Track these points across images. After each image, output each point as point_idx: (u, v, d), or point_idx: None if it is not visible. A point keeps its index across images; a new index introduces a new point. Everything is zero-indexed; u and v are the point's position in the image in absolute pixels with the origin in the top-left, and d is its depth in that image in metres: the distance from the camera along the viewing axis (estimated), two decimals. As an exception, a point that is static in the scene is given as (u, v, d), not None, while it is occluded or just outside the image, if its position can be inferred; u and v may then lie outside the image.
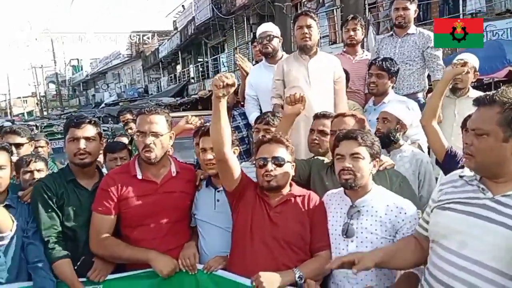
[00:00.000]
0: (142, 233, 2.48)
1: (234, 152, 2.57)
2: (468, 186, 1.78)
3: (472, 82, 3.86)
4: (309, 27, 3.50)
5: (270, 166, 2.27)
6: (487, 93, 1.70)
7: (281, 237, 2.26)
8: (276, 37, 4.08)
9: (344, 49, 4.59)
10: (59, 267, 2.35)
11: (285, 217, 2.30)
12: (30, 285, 2.32)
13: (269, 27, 4.20)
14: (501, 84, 7.47)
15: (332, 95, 3.57)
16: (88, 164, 2.54)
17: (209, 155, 2.49)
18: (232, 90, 2.12)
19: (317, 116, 2.98)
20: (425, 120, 2.94)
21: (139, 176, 2.49)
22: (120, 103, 27.23)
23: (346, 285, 2.21)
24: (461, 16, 10.38)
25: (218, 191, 2.56)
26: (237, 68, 4.73)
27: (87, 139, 2.50)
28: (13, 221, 2.33)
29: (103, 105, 30.53)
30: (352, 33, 4.35)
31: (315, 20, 3.57)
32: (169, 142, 2.54)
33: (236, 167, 2.35)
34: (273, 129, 2.91)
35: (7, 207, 2.39)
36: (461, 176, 1.83)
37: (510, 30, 9.33)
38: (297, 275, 2.14)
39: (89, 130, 2.52)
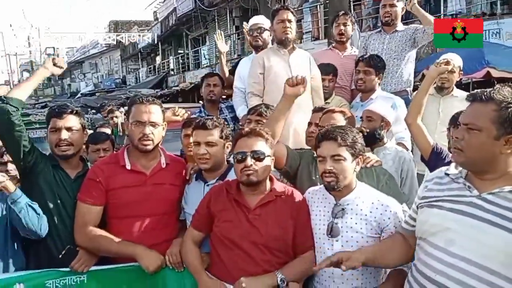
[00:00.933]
0: (129, 225, 2.42)
1: (227, 147, 2.53)
2: (454, 184, 1.78)
3: (456, 81, 3.94)
4: (289, 21, 3.53)
5: (249, 160, 2.17)
6: (483, 89, 1.71)
7: (261, 242, 2.17)
8: (266, 30, 4.07)
9: (333, 45, 4.59)
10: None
11: (265, 220, 2.19)
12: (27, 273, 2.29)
13: (260, 20, 4.19)
14: (476, 85, 7.67)
15: (309, 91, 3.55)
16: (70, 156, 2.48)
17: (203, 150, 2.43)
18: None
19: (315, 110, 2.96)
20: (410, 118, 2.96)
21: (128, 167, 2.44)
22: (97, 94, 26.80)
23: (331, 285, 2.17)
24: (441, 17, 10.56)
25: (208, 185, 2.49)
26: (218, 61, 4.76)
27: (69, 129, 2.45)
28: None
29: (79, 95, 29.93)
30: (342, 28, 4.34)
31: (294, 16, 3.60)
32: (162, 133, 2.50)
33: None
34: (265, 120, 2.87)
35: None
36: (447, 174, 1.84)
37: (488, 32, 9.55)
38: (279, 278, 2.10)
39: (71, 120, 2.47)
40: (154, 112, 2.42)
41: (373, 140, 2.96)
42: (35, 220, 2.28)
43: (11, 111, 2.31)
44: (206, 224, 2.32)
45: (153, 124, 2.41)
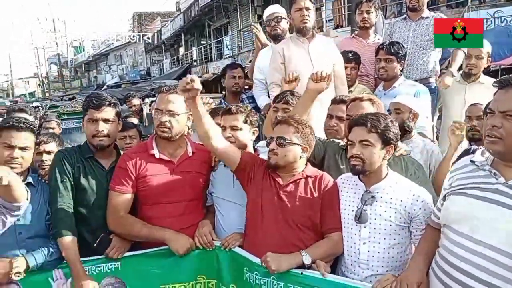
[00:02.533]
0: (158, 211, 2.51)
1: (253, 133, 2.65)
2: (480, 171, 1.78)
3: (484, 68, 3.85)
4: (307, 9, 3.50)
5: (273, 145, 2.31)
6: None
7: (289, 217, 2.29)
8: (284, 18, 4.06)
9: (356, 32, 4.55)
10: (65, 244, 2.31)
11: (294, 197, 2.31)
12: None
13: (276, 9, 4.19)
14: (505, 72, 7.45)
15: (332, 78, 3.56)
16: (106, 146, 2.56)
17: (228, 133, 2.54)
18: (197, 92, 2.17)
19: (335, 101, 2.95)
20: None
21: (157, 155, 2.51)
22: (122, 85, 27.18)
23: (356, 269, 2.21)
24: (468, 2, 10.28)
25: None
26: (240, 51, 4.76)
27: (106, 121, 2.52)
28: (27, 192, 2.37)
29: (105, 87, 30.41)
30: (366, 15, 4.30)
31: (312, 3, 3.56)
32: (186, 122, 2.56)
33: (231, 152, 2.43)
34: (291, 108, 2.90)
35: (27, 185, 2.38)
36: (472, 161, 1.83)
37: (518, 16, 9.25)
38: (304, 257, 2.17)
39: (108, 112, 2.54)
40: (173, 101, 2.47)
41: (402, 132, 2.94)
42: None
43: None
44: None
45: (171, 113, 2.46)
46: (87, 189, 2.52)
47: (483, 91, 3.47)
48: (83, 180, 2.52)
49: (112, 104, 2.57)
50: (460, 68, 3.96)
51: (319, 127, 2.99)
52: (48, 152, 2.98)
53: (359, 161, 2.15)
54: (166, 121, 2.45)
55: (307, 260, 2.16)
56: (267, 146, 2.36)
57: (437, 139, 3.96)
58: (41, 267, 2.27)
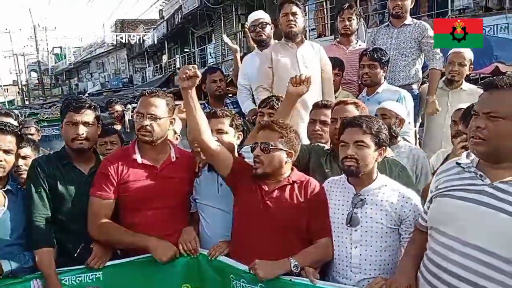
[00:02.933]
0: (140, 218, 2.45)
1: (238, 138, 2.61)
2: (466, 173, 1.78)
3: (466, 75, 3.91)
4: (294, 14, 3.50)
5: (258, 150, 2.27)
6: (497, 77, 1.70)
7: (276, 223, 2.25)
8: (268, 24, 4.06)
9: (338, 39, 4.58)
10: (40, 255, 2.28)
11: (280, 203, 2.27)
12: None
13: (260, 14, 4.18)
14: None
15: (320, 84, 3.58)
16: (85, 150, 2.50)
17: (214, 137, 2.48)
18: (196, 81, 2.22)
19: (318, 106, 2.93)
20: None
21: (139, 160, 2.46)
22: (104, 93, 26.94)
23: (348, 274, 2.19)
24: (449, 12, 10.51)
25: (221, 176, 2.52)
26: (224, 59, 4.81)
27: (85, 124, 2.46)
28: (4, 197, 2.31)
29: (86, 95, 30.07)
30: (347, 22, 4.32)
31: (300, 8, 3.57)
32: (168, 126, 2.51)
33: (225, 155, 2.38)
34: None
35: (7, 192, 2.35)
36: (458, 163, 1.84)
37: (497, 26, 9.48)
38: (292, 264, 2.14)
39: (88, 115, 2.48)
40: (155, 104, 2.42)
41: (389, 137, 2.96)
42: None
43: None
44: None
45: (152, 117, 2.41)
46: (66, 196, 2.45)
47: (466, 97, 3.52)
48: (60, 188, 2.45)
49: (92, 107, 2.51)
50: (443, 75, 4.01)
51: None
52: (24, 157, 2.89)
53: (354, 162, 2.13)
54: (147, 125, 2.40)
55: (295, 267, 2.13)
56: (252, 151, 2.33)
57: (419, 145, 3.99)
58: (16, 274, 2.21)
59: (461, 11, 10.60)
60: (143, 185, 2.44)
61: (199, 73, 2.20)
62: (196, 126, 2.31)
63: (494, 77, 1.69)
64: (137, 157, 2.47)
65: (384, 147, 2.22)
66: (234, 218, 2.40)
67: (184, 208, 2.60)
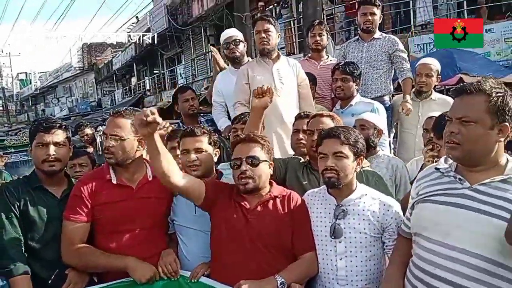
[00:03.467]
0: (117, 240, 2.36)
1: (215, 154, 2.56)
2: (445, 178, 1.82)
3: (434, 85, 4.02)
4: (266, 31, 3.54)
5: (244, 166, 2.21)
6: (467, 83, 1.75)
7: (260, 241, 2.19)
8: (241, 41, 4.09)
9: (309, 55, 4.64)
10: (16, 284, 2.18)
11: (263, 219, 2.22)
12: None
13: (233, 32, 4.21)
14: (450, 92, 7.86)
15: (296, 99, 3.61)
16: (57, 172, 2.41)
17: (192, 156, 2.44)
18: (156, 127, 2.00)
19: (300, 117, 2.95)
20: None
21: (114, 181, 2.38)
22: (72, 118, 26.45)
23: (335, 286, 2.17)
24: (412, 27, 10.86)
25: None
26: (194, 79, 4.77)
27: (56, 144, 2.38)
28: None
29: (54, 119, 29.39)
30: (318, 37, 4.39)
31: (273, 25, 3.60)
32: (137, 147, 2.41)
33: (195, 186, 2.26)
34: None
35: None
36: (437, 168, 1.87)
37: (458, 40, 9.83)
38: (279, 282, 2.09)
39: (59, 135, 2.40)
40: (119, 125, 2.35)
41: (367, 148, 2.98)
42: None
43: None
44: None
45: (116, 138, 2.33)
46: (37, 221, 2.34)
47: (436, 107, 3.62)
48: (32, 212, 2.34)
49: (63, 127, 2.44)
50: (412, 87, 4.10)
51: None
52: None
53: (334, 173, 2.13)
54: (110, 146, 2.33)
55: (282, 284, 2.09)
56: (234, 168, 2.27)
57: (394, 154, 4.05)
58: None
59: (423, 26, 10.99)
60: (118, 206, 2.35)
61: (159, 119, 1.96)
62: (163, 172, 2.11)
63: (465, 83, 1.75)
64: (112, 177, 2.39)
65: (362, 157, 2.23)
66: (213, 238, 2.32)
67: (161, 228, 2.53)
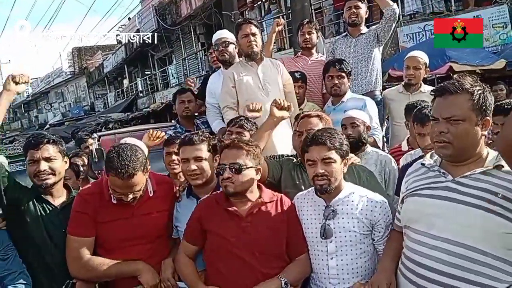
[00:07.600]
0: (120, 254, 2.38)
1: (215, 160, 2.50)
2: (430, 173, 1.91)
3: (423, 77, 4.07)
4: (254, 34, 3.58)
5: (227, 173, 2.19)
6: (448, 82, 1.81)
7: (255, 248, 2.20)
8: (232, 43, 4.11)
9: (300, 52, 4.69)
10: None
11: (257, 226, 2.22)
12: None
13: (224, 34, 4.22)
14: (440, 80, 7.92)
15: (283, 98, 3.64)
16: (51, 185, 2.44)
17: (193, 166, 2.45)
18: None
19: (301, 117, 2.92)
20: None
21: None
22: (66, 123, 26.33)
23: (328, 285, 2.21)
24: (400, 17, 10.90)
25: None
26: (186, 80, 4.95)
27: (47, 159, 2.41)
28: None
29: (47, 126, 29.25)
30: (307, 36, 4.44)
31: (258, 27, 3.66)
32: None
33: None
34: (246, 132, 2.92)
35: None
36: (423, 164, 1.96)
37: (446, 28, 9.87)
38: (283, 282, 2.14)
39: (49, 150, 2.43)
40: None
41: (359, 145, 3.04)
42: None
43: None
44: (199, 238, 2.33)
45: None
46: (41, 231, 2.40)
47: (426, 99, 3.64)
48: (35, 221, 2.39)
49: (52, 141, 2.46)
50: (402, 80, 4.16)
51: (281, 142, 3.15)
52: None
53: (326, 180, 2.15)
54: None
55: (286, 284, 2.14)
56: (219, 174, 2.24)
57: (386, 148, 4.10)
58: None
59: (411, 16, 11.04)
60: (120, 225, 2.36)
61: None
62: None
63: (446, 83, 1.81)
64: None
65: (348, 157, 2.27)
66: (207, 249, 2.32)
67: (164, 237, 2.54)
